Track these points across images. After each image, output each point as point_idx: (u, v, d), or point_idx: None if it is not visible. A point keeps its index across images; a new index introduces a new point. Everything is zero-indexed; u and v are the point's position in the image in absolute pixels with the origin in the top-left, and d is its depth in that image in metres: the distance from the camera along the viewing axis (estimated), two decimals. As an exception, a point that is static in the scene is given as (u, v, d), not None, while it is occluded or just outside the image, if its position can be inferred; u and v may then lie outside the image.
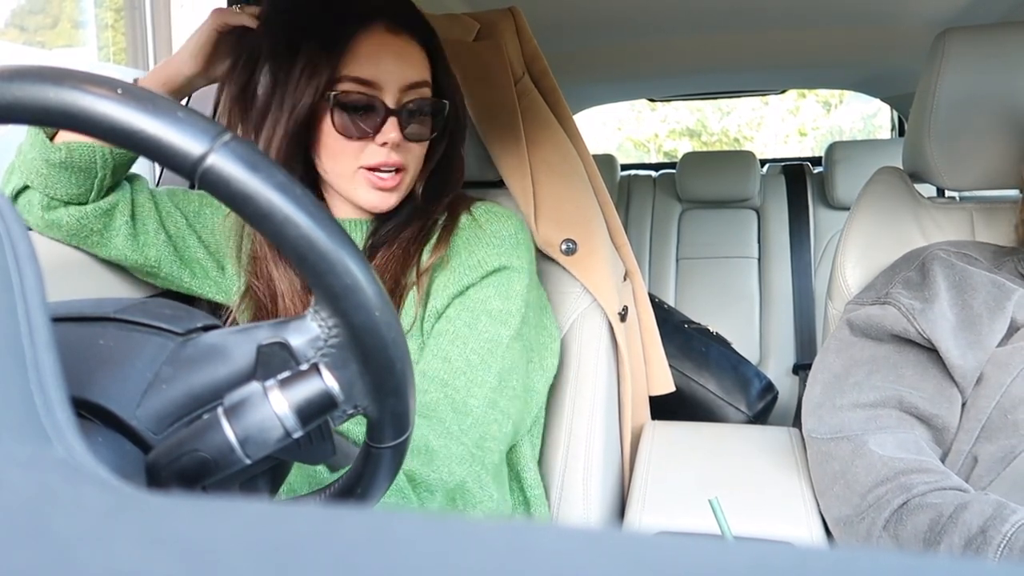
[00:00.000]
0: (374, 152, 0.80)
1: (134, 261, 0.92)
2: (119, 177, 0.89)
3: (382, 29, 0.79)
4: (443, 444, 0.74)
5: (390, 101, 0.80)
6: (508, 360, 0.81)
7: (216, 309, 0.97)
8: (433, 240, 0.86)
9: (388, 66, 0.80)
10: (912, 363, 0.81)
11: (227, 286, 0.95)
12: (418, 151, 0.85)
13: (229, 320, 0.92)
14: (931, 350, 0.80)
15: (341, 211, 0.89)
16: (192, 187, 1.03)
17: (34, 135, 0.84)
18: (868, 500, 0.74)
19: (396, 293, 0.84)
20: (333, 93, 0.78)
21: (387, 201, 0.83)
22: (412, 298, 0.84)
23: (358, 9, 0.80)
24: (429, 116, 0.84)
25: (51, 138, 0.83)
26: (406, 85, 0.81)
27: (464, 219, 0.88)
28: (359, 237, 0.89)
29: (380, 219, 0.88)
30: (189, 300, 0.97)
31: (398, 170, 0.82)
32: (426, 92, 0.83)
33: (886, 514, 0.72)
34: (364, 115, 0.80)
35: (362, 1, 0.80)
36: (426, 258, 0.85)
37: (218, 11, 0.85)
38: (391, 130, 0.79)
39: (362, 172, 0.81)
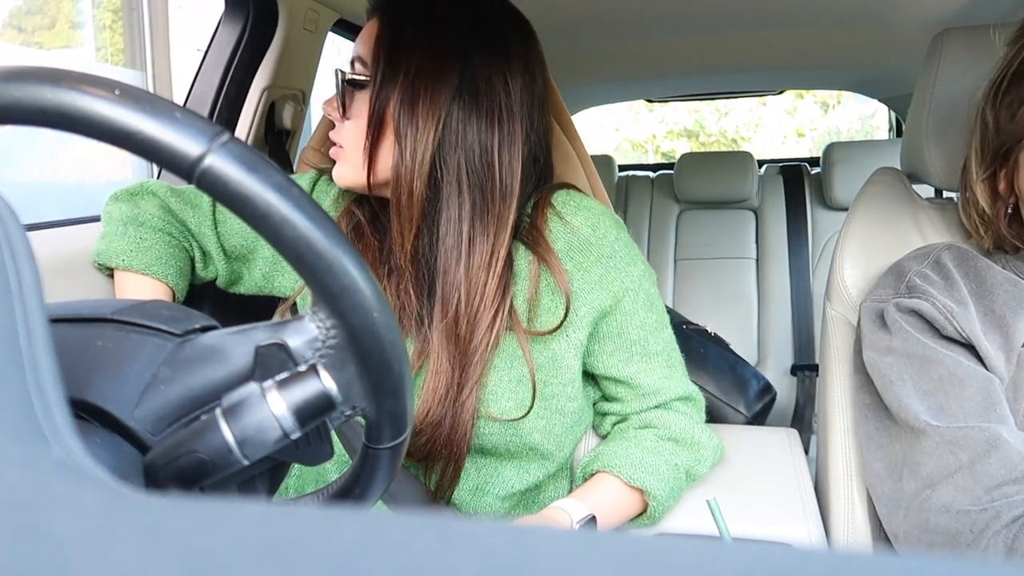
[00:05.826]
0: None
1: (260, 288, 0.97)
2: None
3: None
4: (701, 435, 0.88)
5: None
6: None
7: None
8: (521, 259, 0.83)
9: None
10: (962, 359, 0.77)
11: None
12: (351, 129, 0.81)
13: (287, 305, 0.93)
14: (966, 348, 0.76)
15: None
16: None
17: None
18: (994, 495, 0.69)
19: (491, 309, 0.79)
20: None
21: (335, 174, 0.84)
22: (523, 307, 0.81)
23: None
24: (353, 93, 0.81)
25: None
26: (349, 63, 0.83)
27: (552, 221, 0.83)
28: None
29: None
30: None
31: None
32: (357, 69, 0.81)
33: (1015, 512, 0.67)
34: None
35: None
36: (522, 276, 0.82)
37: None
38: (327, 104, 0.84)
39: None
